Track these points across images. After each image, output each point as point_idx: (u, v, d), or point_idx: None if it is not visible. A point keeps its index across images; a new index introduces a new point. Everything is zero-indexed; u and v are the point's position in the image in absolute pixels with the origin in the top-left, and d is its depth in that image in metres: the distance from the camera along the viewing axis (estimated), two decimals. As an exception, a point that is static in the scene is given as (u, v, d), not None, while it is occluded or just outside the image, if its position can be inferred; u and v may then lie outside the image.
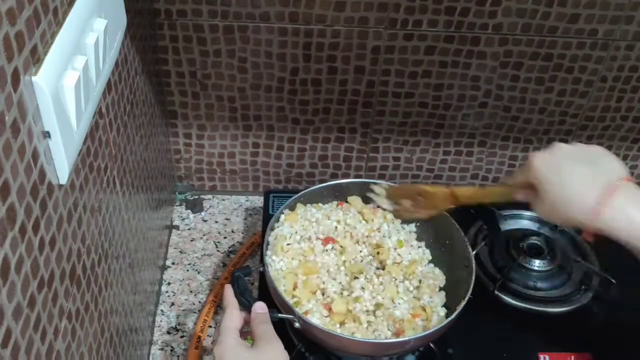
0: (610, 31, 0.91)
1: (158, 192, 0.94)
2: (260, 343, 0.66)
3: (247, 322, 0.69)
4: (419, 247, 0.87)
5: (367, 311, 0.77)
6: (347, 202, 0.90)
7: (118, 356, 0.70)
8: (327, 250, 0.84)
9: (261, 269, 0.80)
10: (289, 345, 0.69)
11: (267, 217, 0.97)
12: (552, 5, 0.88)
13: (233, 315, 0.68)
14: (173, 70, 0.95)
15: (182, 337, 0.91)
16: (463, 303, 0.75)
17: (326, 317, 0.77)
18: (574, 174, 0.63)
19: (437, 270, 0.84)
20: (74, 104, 0.49)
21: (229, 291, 0.70)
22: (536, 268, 0.90)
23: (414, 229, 0.89)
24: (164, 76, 0.96)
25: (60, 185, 0.50)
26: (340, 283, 0.81)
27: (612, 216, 0.60)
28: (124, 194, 0.72)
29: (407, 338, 0.74)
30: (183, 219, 1.10)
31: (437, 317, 0.78)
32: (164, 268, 1.01)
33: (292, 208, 0.87)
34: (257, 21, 0.90)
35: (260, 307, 0.70)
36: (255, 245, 1.04)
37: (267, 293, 0.78)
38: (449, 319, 0.73)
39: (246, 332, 0.69)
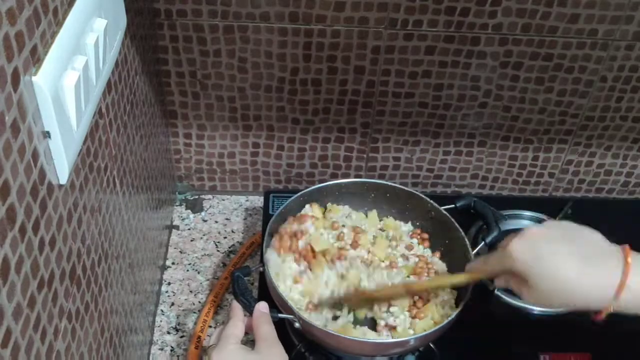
0: (610, 31, 0.91)
1: (158, 192, 0.94)
2: (262, 344, 0.66)
3: (248, 331, 0.69)
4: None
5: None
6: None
7: (118, 356, 0.70)
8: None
9: (261, 269, 0.80)
10: (289, 345, 0.69)
11: (267, 217, 0.97)
12: (552, 5, 0.88)
13: (237, 325, 0.68)
14: (173, 70, 0.95)
15: (182, 337, 0.91)
16: (463, 303, 0.75)
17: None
18: (565, 257, 0.59)
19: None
20: (74, 104, 0.49)
21: (236, 304, 0.71)
22: (536, 268, 0.90)
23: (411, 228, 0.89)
24: (164, 76, 0.96)
25: (60, 185, 0.50)
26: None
27: (630, 297, 0.57)
28: (124, 194, 0.72)
29: (407, 338, 0.74)
30: (183, 219, 1.10)
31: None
32: (164, 268, 1.01)
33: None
34: (257, 21, 0.90)
35: (263, 307, 0.70)
36: (255, 245, 1.04)
37: (267, 293, 0.78)
38: (449, 318, 0.74)
39: (246, 343, 0.69)
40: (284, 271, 0.81)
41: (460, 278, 0.73)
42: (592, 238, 0.61)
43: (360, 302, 0.80)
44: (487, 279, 0.69)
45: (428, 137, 1.05)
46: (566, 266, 0.58)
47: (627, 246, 0.58)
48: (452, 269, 0.84)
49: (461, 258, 0.83)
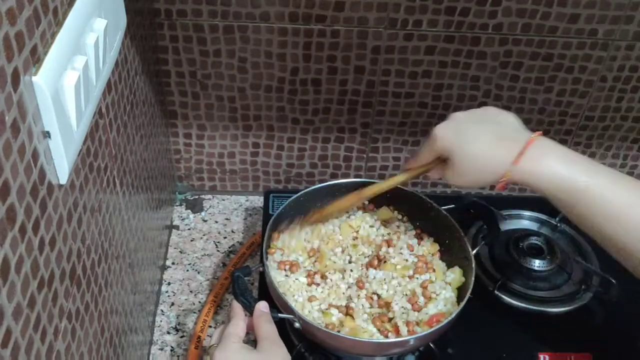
0: (610, 31, 0.91)
1: (158, 192, 0.94)
2: (264, 344, 0.66)
3: (249, 330, 0.69)
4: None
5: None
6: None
7: (118, 356, 0.70)
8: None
9: (261, 269, 0.80)
10: (289, 345, 0.69)
11: (267, 217, 0.97)
12: (552, 5, 0.88)
13: (238, 324, 0.68)
14: (173, 70, 0.95)
15: (182, 337, 0.91)
16: (463, 303, 0.75)
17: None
18: (480, 133, 0.66)
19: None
20: (74, 104, 0.49)
21: (237, 304, 0.71)
22: (536, 268, 0.90)
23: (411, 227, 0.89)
24: (164, 76, 0.96)
25: (60, 185, 0.50)
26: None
27: (529, 167, 0.64)
28: (124, 194, 0.72)
29: (407, 338, 0.74)
30: (183, 219, 1.10)
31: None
32: (164, 268, 1.01)
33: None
34: (257, 21, 0.90)
35: (264, 306, 0.70)
36: (255, 245, 1.04)
37: (267, 293, 0.78)
38: (449, 318, 0.73)
39: (247, 343, 0.69)
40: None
41: (401, 177, 0.77)
42: (510, 121, 0.68)
43: (319, 219, 0.86)
44: (423, 173, 0.75)
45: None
46: (479, 141, 0.66)
47: (540, 132, 0.66)
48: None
49: (461, 258, 0.83)
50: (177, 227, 1.08)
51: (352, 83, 0.97)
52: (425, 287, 0.80)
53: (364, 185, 0.90)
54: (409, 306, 0.78)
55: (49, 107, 0.45)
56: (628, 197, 0.62)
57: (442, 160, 0.70)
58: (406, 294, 0.80)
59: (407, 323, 0.76)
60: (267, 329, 0.67)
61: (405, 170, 0.77)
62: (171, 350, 0.90)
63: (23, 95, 0.42)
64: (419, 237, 0.88)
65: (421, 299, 0.79)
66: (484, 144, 0.66)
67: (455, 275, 0.82)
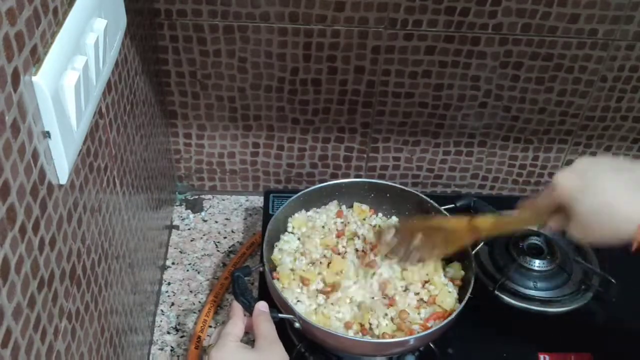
0: (610, 31, 0.91)
1: (158, 192, 0.94)
2: (262, 343, 0.66)
3: (248, 330, 0.69)
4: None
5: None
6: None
7: (118, 356, 0.70)
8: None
9: (261, 269, 0.80)
10: (289, 345, 0.69)
11: (267, 217, 0.97)
12: (552, 5, 0.88)
13: (236, 324, 0.68)
14: (173, 70, 0.95)
15: (182, 337, 0.91)
16: (463, 303, 0.75)
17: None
18: (612, 182, 0.58)
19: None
20: (74, 104, 0.49)
21: (236, 304, 0.71)
22: (536, 268, 0.90)
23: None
24: (164, 76, 0.96)
25: (60, 185, 0.50)
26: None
27: None
28: (124, 194, 0.72)
29: (407, 338, 0.74)
30: (183, 219, 1.10)
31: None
32: (164, 268, 1.01)
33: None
34: (257, 21, 0.90)
35: (263, 306, 0.70)
36: (255, 245, 1.04)
37: (267, 293, 0.78)
38: (449, 318, 0.74)
39: (247, 343, 0.69)
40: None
41: (518, 221, 0.72)
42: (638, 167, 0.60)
43: (420, 228, 0.78)
44: (539, 222, 0.68)
45: (428, 137, 1.05)
46: (612, 190, 0.57)
47: None
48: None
49: (461, 258, 0.83)
50: (177, 227, 1.08)
51: (352, 83, 0.97)
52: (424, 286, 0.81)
53: (364, 185, 0.91)
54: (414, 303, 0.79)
55: (49, 107, 0.45)
56: None
57: (560, 211, 0.63)
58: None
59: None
60: (266, 328, 0.67)
61: (520, 213, 0.69)
62: (171, 350, 0.90)
63: (23, 95, 0.42)
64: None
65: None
66: (617, 194, 0.57)
67: (454, 269, 0.82)
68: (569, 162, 1.09)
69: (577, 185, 0.60)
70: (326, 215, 0.90)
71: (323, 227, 0.89)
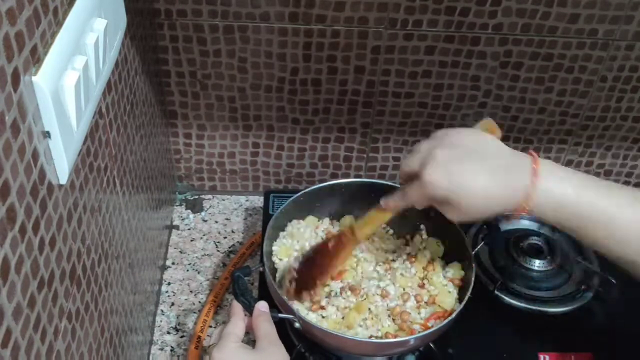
0: (610, 31, 0.91)
1: (158, 192, 0.94)
2: (262, 343, 0.66)
3: (248, 330, 0.69)
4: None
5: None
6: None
7: (118, 356, 0.70)
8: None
9: (261, 269, 0.80)
10: (289, 345, 0.69)
11: (267, 217, 0.97)
12: (552, 5, 0.88)
13: (237, 324, 0.68)
14: (173, 70, 0.95)
15: (182, 337, 0.91)
16: (463, 303, 0.75)
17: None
18: (476, 174, 0.62)
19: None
20: (74, 104, 0.49)
21: (236, 303, 0.71)
22: (536, 268, 0.90)
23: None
24: (164, 76, 0.96)
25: (60, 185, 0.50)
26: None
27: (539, 202, 0.61)
28: (124, 194, 0.72)
29: (407, 338, 0.74)
30: (183, 219, 1.10)
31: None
32: (164, 268, 1.01)
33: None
34: (257, 21, 0.90)
35: (263, 306, 0.70)
36: (255, 245, 1.04)
37: (267, 293, 0.78)
38: (449, 318, 0.73)
39: (248, 343, 0.69)
40: None
41: (384, 216, 0.74)
42: (494, 146, 0.65)
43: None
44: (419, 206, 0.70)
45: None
46: (478, 183, 0.62)
47: (531, 151, 0.64)
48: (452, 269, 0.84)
49: (461, 258, 0.83)
50: (177, 227, 1.08)
51: (352, 83, 0.97)
52: (422, 286, 0.81)
53: (364, 185, 0.90)
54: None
55: (49, 107, 0.45)
56: (632, 214, 0.61)
57: (432, 199, 0.66)
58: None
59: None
60: (266, 329, 0.67)
61: (389, 208, 0.73)
62: (171, 350, 0.90)
63: (23, 95, 0.42)
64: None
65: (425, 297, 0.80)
66: (486, 185, 0.62)
67: (454, 269, 0.82)
68: (569, 162, 1.09)
69: (446, 182, 0.62)
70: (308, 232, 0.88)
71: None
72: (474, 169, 0.63)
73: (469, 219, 0.65)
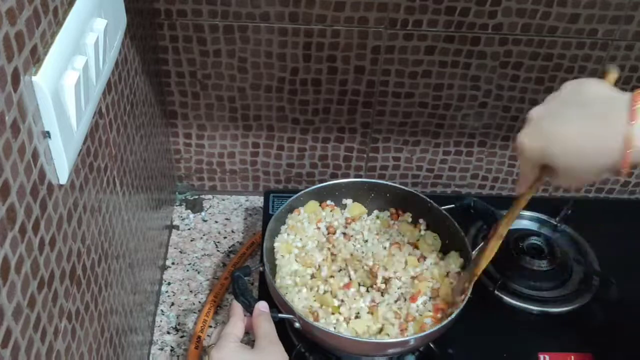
0: (610, 31, 0.91)
1: (158, 192, 0.94)
2: (262, 343, 0.66)
3: (247, 330, 0.69)
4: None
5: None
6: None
7: (118, 356, 0.70)
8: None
9: (261, 268, 0.80)
10: (289, 345, 0.69)
11: (267, 217, 0.97)
12: (552, 5, 0.88)
13: (236, 324, 0.68)
14: (173, 70, 0.95)
15: (182, 337, 0.91)
16: (463, 303, 0.75)
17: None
18: (568, 126, 0.56)
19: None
20: (74, 104, 0.49)
21: (236, 303, 0.71)
22: (536, 268, 0.90)
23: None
24: (164, 76, 0.96)
25: (60, 185, 0.50)
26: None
27: None
28: (124, 194, 0.72)
29: (407, 338, 0.74)
30: (183, 219, 1.10)
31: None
32: (164, 268, 1.01)
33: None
34: (257, 21, 0.90)
35: (263, 306, 0.70)
36: (255, 245, 1.04)
37: (267, 293, 0.78)
38: (449, 318, 0.74)
39: (247, 343, 0.69)
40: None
41: (519, 206, 0.70)
42: (595, 95, 0.57)
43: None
44: (540, 186, 0.66)
45: (428, 137, 1.05)
46: (571, 135, 0.56)
47: (638, 91, 0.54)
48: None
49: (461, 258, 0.83)
50: (177, 227, 1.08)
51: (352, 83, 0.97)
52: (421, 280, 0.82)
53: (364, 185, 0.90)
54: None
55: (49, 107, 0.45)
56: None
57: (543, 167, 0.60)
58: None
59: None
60: (266, 328, 0.67)
61: (520, 197, 0.69)
62: (171, 350, 0.90)
63: (23, 95, 0.42)
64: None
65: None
66: (580, 136, 0.55)
67: (452, 260, 0.82)
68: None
69: (540, 142, 0.58)
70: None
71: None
72: (565, 120, 0.56)
73: (578, 181, 0.59)
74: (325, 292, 0.81)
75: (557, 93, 0.60)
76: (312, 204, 0.90)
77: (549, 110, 0.59)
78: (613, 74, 0.60)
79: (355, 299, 0.79)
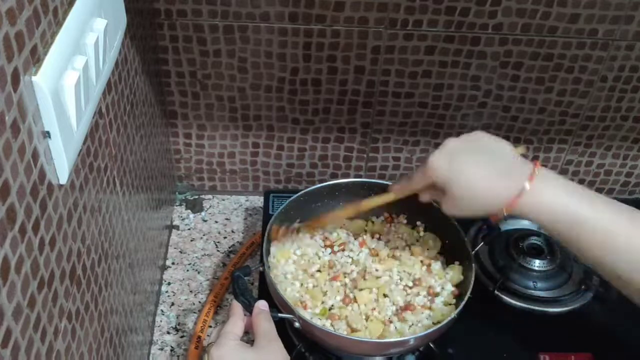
0: (610, 31, 0.91)
1: (158, 192, 0.94)
2: (261, 341, 0.66)
3: (247, 329, 0.69)
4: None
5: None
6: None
7: (118, 356, 0.70)
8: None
9: (261, 268, 0.80)
10: (289, 345, 0.69)
11: (267, 217, 0.97)
12: (552, 5, 0.88)
13: (236, 323, 0.68)
14: (173, 70, 0.95)
15: (182, 337, 0.91)
16: (463, 303, 0.75)
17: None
18: (478, 167, 0.65)
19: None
20: (74, 104, 0.49)
21: (236, 303, 0.71)
22: (536, 268, 0.90)
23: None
24: (164, 76, 0.96)
25: (60, 185, 0.50)
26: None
27: (530, 201, 0.63)
28: (124, 194, 0.72)
29: (407, 338, 0.74)
30: (183, 219, 1.10)
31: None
32: (164, 268, 1.01)
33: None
34: (257, 21, 0.90)
35: (263, 305, 0.70)
36: (255, 245, 1.04)
37: (267, 293, 0.78)
38: (449, 318, 0.74)
39: (247, 342, 0.69)
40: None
41: (390, 196, 0.77)
42: (506, 151, 0.67)
43: (316, 226, 0.87)
44: (412, 194, 0.75)
45: (428, 137, 1.05)
46: (476, 174, 0.65)
47: (537, 161, 0.65)
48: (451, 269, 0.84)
49: (461, 258, 0.83)
50: (177, 227, 1.08)
51: (352, 83, 0.97)
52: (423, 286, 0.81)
53: (364, 185, 0.90)
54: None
55: (49, 107, 0.45)
56: (630, 229, 0.62)
57: (433, 187, 0.69)
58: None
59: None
60: (265, 327, 0.67)
61: (395, 190, 0.77)
62: (171, 350, 0.90)
63: (23, 95, 0.42)
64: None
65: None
66: (484, 178, 0.65)
67: (453, 272, 0.82)
68: (569, 162, 1.09)
69: (448, 168, 0.66)
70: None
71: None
72: (476, 161, 0.65)
73: (461, 212, 0.68)
74: (314, 286, 0.81)
75: (471, 135, 0.68)
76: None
77: (466, 147, 0.67)
78: (520, 150, 0.69)
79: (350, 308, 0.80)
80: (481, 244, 0.90)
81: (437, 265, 0.84)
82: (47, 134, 0.46)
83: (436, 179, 0.67)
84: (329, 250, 0.87)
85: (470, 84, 0.97)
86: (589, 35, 0.91)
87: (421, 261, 0.85)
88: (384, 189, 0.90)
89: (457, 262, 0.83)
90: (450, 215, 0.70)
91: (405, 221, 0.90)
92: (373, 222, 0.92)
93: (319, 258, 0.86)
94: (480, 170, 0.65)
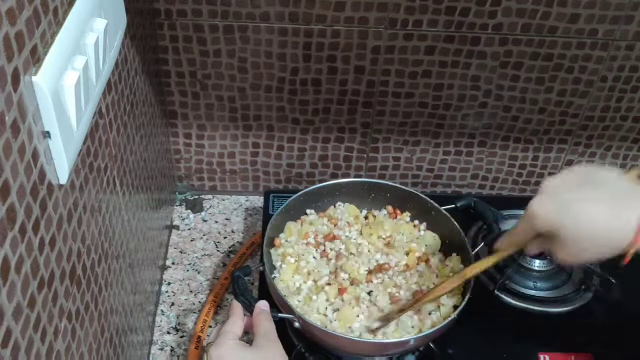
0: (610, 31, 0.91)
1: (158, 192, 0.94)
2: (260, 341, 0.66)
3: (247, 329, 0.69)
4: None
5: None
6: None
7: (118, 356, 0.70)
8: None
9: (261, 268, 0.80)
10: (289, 345, 0.69)
11: (267, 217, 0.97)
12: (552, 5, 0.88)
13: (236, 323, 0.68)
14: (173, 70, 0.95)
15: (182, 337, 0.91)
16: (463, 303, 0.75)
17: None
18: (591, 204, 0.57)
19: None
20: (74, 104, 0.49)
21: (236, 303, 0.71)
22: (536, 268, 0.90)
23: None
24: (164, 76, 0.96)
25: (60, 185, 0.50)
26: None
27: None
28: (124, 194, 0.72)
29: (407, 338, 0.74)
30: (183, 219, 1.10)
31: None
32: (164, 268, 1.01)
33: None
34: (257, 21, 0.90)
35: (264, 305, 0.70)
36: (255, 245, 1.04)
37: (267, 293, 0.78)
38: (449, 318, 0.74)
39: (247, 342, 0.69)
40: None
41: (493, 259, 0.70)
42: (613, 177, 0.59)
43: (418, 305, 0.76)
44: (519, 249, 0.68)
45: (428, 137, 1.05)
46: (593, 211, 0.57)
47: None
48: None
49: (461, 258, 0.83)
50: (177, 227, 1.08)
51: (352, 83, 0.97)
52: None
53: (364, 185, 0.90)
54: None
55: (49, 107, 0.45)
56: None
57: (541, 236, 0.62)
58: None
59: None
60: (266, 327, 0.67)
61: (499, 250, 0.70)
62: (171, 350, 0.90)
63: (23, 95, 0.42)
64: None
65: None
66: (600, 214, 0.56)
67: (453, 264, 0.82)
68: (569, 162, 1.09)
69: (554, 211, 0.59)
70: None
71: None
72: (585, 196, 0.58)
73: (583, 257, 0.60)
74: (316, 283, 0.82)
75: (572, 170, 0.62)
76: (291, 227, 0.87)
77: (566, 184, 0.60)
78: (636, 172, 0.62)
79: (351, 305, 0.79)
80: (481, 244, 0.90)
81: (435, 260, 0.84)
82: (47, 134, 0.46)
83: (543, 227, 0.60)
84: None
85: (470, 84, 0.97)
86: (589, 35, 0.91)
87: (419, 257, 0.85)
88: (384, 189, 0.91)
89: (454, 254, 0.84)
90: (571, 263, 0.62)
91: (408, 219, 0.90)
92: (375, 216, 0.91)
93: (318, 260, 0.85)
94: (595, 206, 0.57)
